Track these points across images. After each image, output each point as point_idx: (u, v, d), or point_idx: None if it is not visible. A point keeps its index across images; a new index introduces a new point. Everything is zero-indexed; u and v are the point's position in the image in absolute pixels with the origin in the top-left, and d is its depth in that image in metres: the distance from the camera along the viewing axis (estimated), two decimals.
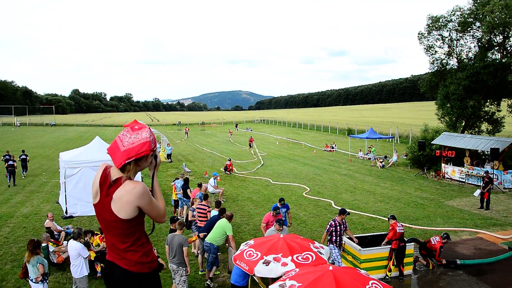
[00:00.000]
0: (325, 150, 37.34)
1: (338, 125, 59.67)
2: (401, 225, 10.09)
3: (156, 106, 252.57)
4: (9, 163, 20.91)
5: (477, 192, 17.36)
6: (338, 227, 9.52)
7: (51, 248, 9.99)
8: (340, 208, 9.93)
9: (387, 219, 13.29)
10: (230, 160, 25.31)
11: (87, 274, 8.19)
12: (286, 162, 29.25)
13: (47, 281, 7.86)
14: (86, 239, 10.06)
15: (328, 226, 9.54)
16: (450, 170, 23.13)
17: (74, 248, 8.08)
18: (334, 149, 36.86)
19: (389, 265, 9.80)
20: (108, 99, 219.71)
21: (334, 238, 9.53)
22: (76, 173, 14.46)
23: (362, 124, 55.93)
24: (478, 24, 26.72)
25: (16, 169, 21.22)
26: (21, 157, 23.45)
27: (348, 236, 10.12)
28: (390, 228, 9.98)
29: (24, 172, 23.37)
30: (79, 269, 8.02)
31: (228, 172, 24.11)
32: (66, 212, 14.67)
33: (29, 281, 7.73)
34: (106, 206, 2.66)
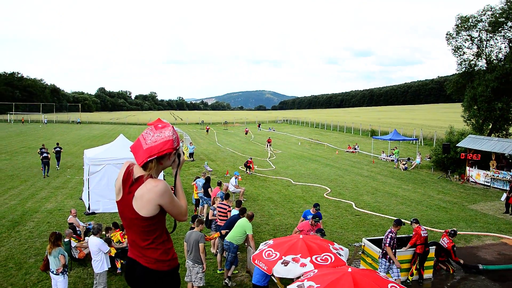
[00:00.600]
0: (348, 151, 37.00)
1: (362, 126, 59.00)
2: (425, 228, 9.93)
3: (180, 105, 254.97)
4: (44, 155, 22.79)
5: (504, 197, 16.94)
6: (395, 240, 9.02)
7: (73, 243, 10.18)
8: (395, 219, 9.38)
9: (409, 223, 13.06)
10: (251, 158, 25.63)
11: (107, 269, 8.34)
12: (307, 163, 29.12)
13: (67, 273, 8.03)
14: (107, 235, 10.27)
15: (389, 240, 8.91)
16: (475, 174, 22.59)
17: (94, 243, 8.25)
18: (356, 151, 36.50)
19: (412, 269, 9.67)
20: (133, 98, 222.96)
21: (385, 250, 9.02)
22: (99, 170, 14.69)
23: (386, 126, 55.19)
24: (510, 24, 26.01)
25: (50, 161, 23.01)
26: (55, 149, 25.33)
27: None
28: (413, 232, 9.81)
29: (57, 164, 25.10)
30: (100, 264, 8.18)
31: (248, 172, 24.24)
32: (89, 209, 14.88)
33: (50, 273, 7.92)
34: (128, 203, 2.69)
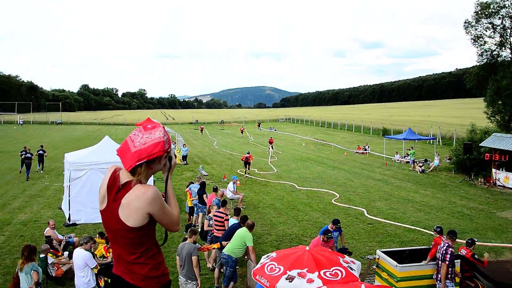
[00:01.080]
0: (357, 152, 37.02)
1: (372, 124, 59.09)
2: (446, 239, 9.81)
3: (171, 103, 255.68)
4: (26, 155, 23.68)
5: None
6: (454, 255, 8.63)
7: (50, 259, 9.91)
8: (449, 230, 9.20)
9: (432, 232, 12.78)
10: (249, 153, 25.93)
11: (94, 286, 8.13)
12: (313, 166, 29.11)
13: None
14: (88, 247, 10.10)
15: (449, 256, 8.55)
16: (503, 177, 22.50)
17: (81, 257, 8.01)
18: (367, 152, 36.51)
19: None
20: (119, 95, 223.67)
21: (450, 269, 8.67)
22: (82, 175, 14.64)
23: (399, 124, 55.23)
24: None
25: (32, 163, 24.12)
26: (38, 152, 26.01)
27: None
28: (433, 243, 9.64)
29: (39, 167, 25.85)
30: (85, 281, 7.94)
31: (248, 171, 24.85)
32: (69, 219, 14.82)
33: None
34: (114, 212, 2.66)
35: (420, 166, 27.17)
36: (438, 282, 8.81)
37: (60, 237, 11.87)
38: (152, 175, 2.87)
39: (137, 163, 2.62)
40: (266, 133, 59.85)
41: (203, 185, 14.71)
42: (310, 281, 6.30)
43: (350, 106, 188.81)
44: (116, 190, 2.69)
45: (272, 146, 37.97)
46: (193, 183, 15.87)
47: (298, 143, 45.85)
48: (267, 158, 32.57)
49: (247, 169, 25.21)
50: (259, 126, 72.06)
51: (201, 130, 62.06)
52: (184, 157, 29.85)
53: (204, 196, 14.33)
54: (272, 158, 33.07)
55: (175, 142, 33.86)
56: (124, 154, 2.67)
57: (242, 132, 58.05)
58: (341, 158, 33.29)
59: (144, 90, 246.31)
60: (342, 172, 26.47)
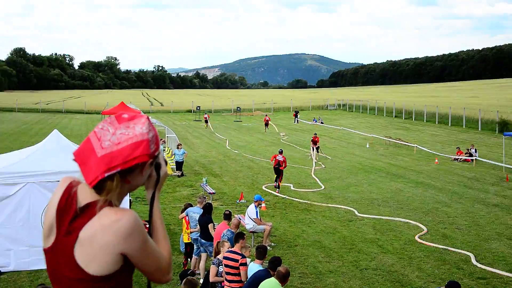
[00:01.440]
0: (457, 158, 36.85)
1: (482, 114, 58.39)
2: None
3: (158, 79, 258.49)
4: None
5: None
6: None
7: None
8: None
9: None
10: (281, 151, 26.41)
11: None
12: (383, 180, 29.01)
13: None
14: None
15: None
16: None
17: None
18: (473, 158, 36.18)
19: None
20: (76, 67, 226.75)
21: None
22: (13, 194, 14.60)
23: None
24: None
25: None
26: None
27: None
28: None
29: None
30: None
31: (278, 186, 25.13)
32: None
33: None
34: (66, 252, 2.60)
35: None
36: None
37: None
38: (129, 193, 2.85)
39: (106, 175, 2.56)
40: (307, 128, 59.86)
41: (208, 210, 14.72)
42: None
43: (443, 84, 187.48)
44: (71, 216, 2.63)
45: (317, 148, 37.86)
46: (192, 205, 15.90)
47: (359, 144, 45.79)
48: (310, 167, 32.48)
49: (278, 181, 25.21)
50: (296, 116, 72.20)
51: (206, 122, 61.95)
52: (179, 165, 30.02)
53: (210, 226, 14.33)
54: (318, 166, 32.98)
55: (164, 141, 34.06)
56: (86, 159, 2.62)
57: (266, 125, 57.94)
58: (429, 169, 33.09)
59: (116, 59, 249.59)
60: (432, 191, 26.27)
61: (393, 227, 19.87)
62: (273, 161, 25.50)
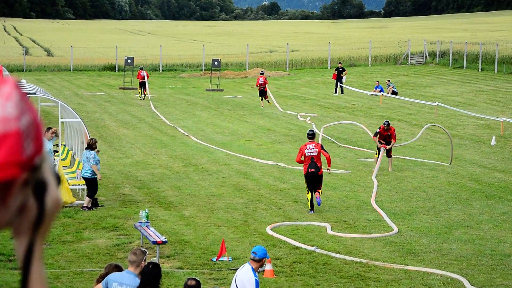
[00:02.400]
0: None
1: None
2: None
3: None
4: None
5: None
6: None
7: None
8: None
9: None
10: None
11: None
12: None
13: None
14: None
15: None
16: None
17: None
18: None
19: None
20: None
21: None
22: None
23: None
24: None
25: None
26: None
27: None
28: None
29: None
30: None
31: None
32: None
33: None
34: None
35: None
36: None
37: None
38: None
39: None
40: (364, 104, 42.14)
41: (150, 278, 10.67)
42: None
43: None
44: None
45: (388, 152, 25.59)
46: (119, 269, 11.09)
47: (476, 137, 31.59)
48: (370, 189, 21.93)
49: (316, 195, 19.03)
50: (338, 78, 47.52)
51: (142, 87, 42.94)
52: (91, 184, 20.81)
53: None
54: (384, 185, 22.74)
55: (57, 134, 23.87)
56: None
57: (262, 95, 37.83)
58: None
59: None
60: None
61: None
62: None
